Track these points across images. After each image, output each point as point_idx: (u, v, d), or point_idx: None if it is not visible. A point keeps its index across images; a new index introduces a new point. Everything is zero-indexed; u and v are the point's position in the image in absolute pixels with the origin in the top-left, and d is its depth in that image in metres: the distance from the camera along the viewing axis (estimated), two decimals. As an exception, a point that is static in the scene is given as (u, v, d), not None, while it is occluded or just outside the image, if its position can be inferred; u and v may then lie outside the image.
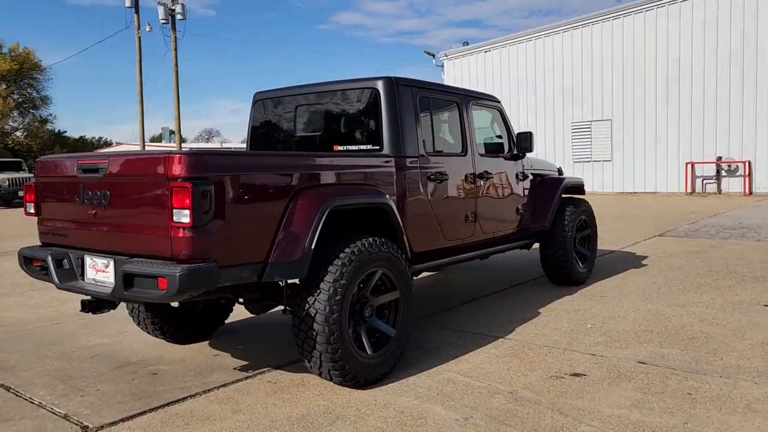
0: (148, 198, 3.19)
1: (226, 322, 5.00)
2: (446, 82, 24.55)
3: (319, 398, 3.55)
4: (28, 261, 3.88)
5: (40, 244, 3.96)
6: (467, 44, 24.37)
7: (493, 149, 5.48)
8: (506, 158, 5.54)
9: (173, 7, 35.18)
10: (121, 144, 53.46)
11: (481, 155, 5.17)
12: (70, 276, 3.60)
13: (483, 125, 5.61)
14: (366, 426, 3.16)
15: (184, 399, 3.59)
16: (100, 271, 3.46)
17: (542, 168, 6.41)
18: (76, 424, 3.27)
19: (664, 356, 4.11)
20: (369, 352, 3.71)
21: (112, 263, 3.36)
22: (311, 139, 4.74)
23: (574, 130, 21.64)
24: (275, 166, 3.48)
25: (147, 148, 34.11)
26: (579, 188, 6.75)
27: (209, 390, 3.72)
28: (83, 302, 3.73)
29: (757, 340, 4.39)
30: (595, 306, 5.49)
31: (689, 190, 19.23)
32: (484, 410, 3.32)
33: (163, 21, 35.29)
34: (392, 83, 4.35)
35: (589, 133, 21.31)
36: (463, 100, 5.05)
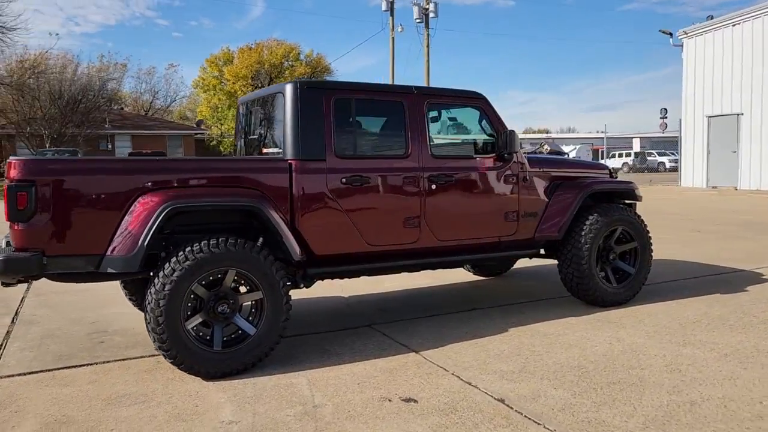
0: None
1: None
2: (686, 64, 21.64)
3: (155, 383, 3.88)
4: None
5: None
6: (711, 18, 21.01)
7: (463, 150, 5.04)
8: (485, 159, 5.05)
9: (427, 6, 37.05)
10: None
11: (438, 156, 4.83)
12: None
13: (462, 123, 5.20)
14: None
15: (80, 366, 4.25)
16: None
17: (572, 170, 5.63)
18: (-16, 372, 4.14)
19: (543, 397, 3.49)
20: (218, 347, 3.91)
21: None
22: (253, 142, 4.99)
23: None
24: (107, 170, 3.87)
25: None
26: (626, 194, 5.75)
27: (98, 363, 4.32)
28: None
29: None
30: (579, 332, 4.73)
31: None
32: (263, 413, 3.32)
33: (418, 20, 37.47)
34: (297, 87, 4.39)
35: None
36: (413, 99, 4.77)
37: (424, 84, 36.64)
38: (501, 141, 4.99)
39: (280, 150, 4.44)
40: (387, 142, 4.84)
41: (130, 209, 3.80)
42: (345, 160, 4.46)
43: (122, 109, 40.52)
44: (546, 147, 38.32)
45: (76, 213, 3.72)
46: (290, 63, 52.92)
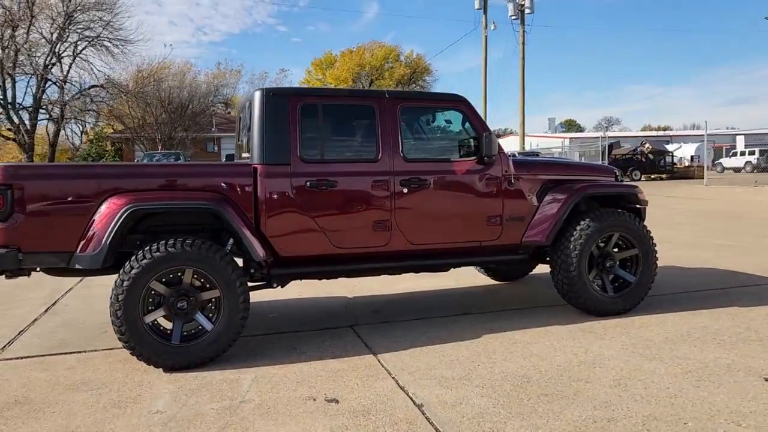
0: None
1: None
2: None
3: (121, 372, 4.21)
4: None
5: None
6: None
7: (441, 153, 5.00)
8: (464, 162, 4.99)
9: (522, 2, 36.29)
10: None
11: (411, 160, 4.84)
12: None
13: (443, 126, 5.15)
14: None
15: (70, 353, 4.68)
16: None
17: (566, 173, 5.40)
18: (-10, 354, 4.67)
19: (463, 405, 3.46)
20: (176, 341, 4.19)
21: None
22: (240, 147, 5.23)
23: None
24: (75, 175, 4.24)
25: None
26: (627, 199, 5.44)
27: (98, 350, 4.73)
28: None
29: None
30: (552, 341, 4.58)
31: None
32: (191, 406, 3.54)
33: (513, 17, 36.80)
34: (263, 95, 4.58)
35: None
36: (385, 103, 4.80)
37: (519, 83, 35.90)
38: (480, 144, 4.91)
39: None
40: (356, 146, 4.90)
41: (98, 211, 4.15)
42: (310, 164, 4.59)
43: (229, 112, 42.88)
44: (647, 146, 36.35)
45: (48, 214, 4.11)
46: (390, 64, 53.64)
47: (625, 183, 5.59)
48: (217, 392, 3.79)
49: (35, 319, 5.67)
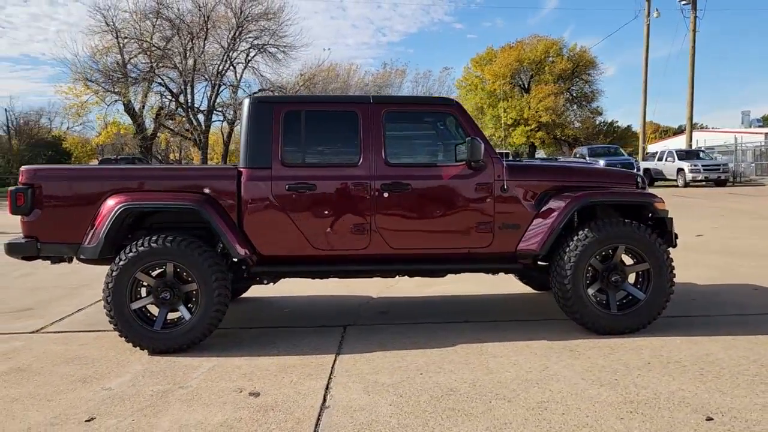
0: None
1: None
2: None
3: (114, 351, 4.75)
4: None
5: None
6: None
7: (427, 158, 4.93)
8: (452, 167, 4.88)
9: (694, -15, 33.31)
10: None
11: (394, 164, 4.85)
12: None
13: (435, 131, 5.06)
14: (70, 370, 4.31)
15: (90, 332, 5.36)
16: None
17: (570, 179, 5.04)
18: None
19: (365, 411, 3.49)
20: (158, 328, 4.65)
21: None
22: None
23: None
24: (83, 176, 4.83)
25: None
26: (644, 208, 4.92)
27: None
28: None
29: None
30: (517, 357, 4.36)
31: None
32: (139, 385, 3.96)
33: (683, 2, 33.92)
34: (250, 102, 4.89)
35: None
36: (368, 109, 4.86)
37: (688, 72, 32.96)
38: (466, 149, 4.78)
39: (245, 159, 4.98)
40: (338, 150, 5.01)
41: (99, 208, 4.73)
42: (290, 168, 4.81)
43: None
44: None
45: (61, 210, 4.77)
46: (551, 59, 51.73)
47: (642, 192, 5.06)
48: (169, 376, 4.17)
49: (97, 300, 6.51)
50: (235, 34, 34.90)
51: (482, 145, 4.73)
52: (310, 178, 4.81)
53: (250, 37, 36.41)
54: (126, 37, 35.90)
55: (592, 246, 4.74)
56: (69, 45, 58.25)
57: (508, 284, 6.68)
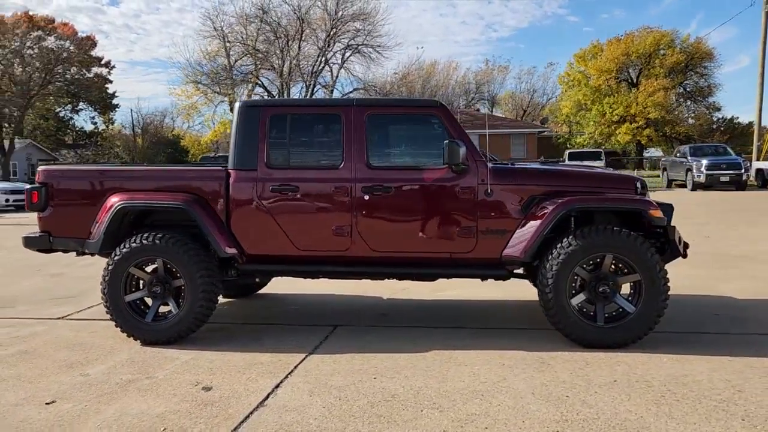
0: None
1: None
2: None
3: (114, 340, 5.09)
4: None
5: None
6: None
7: (411, 161, 4.88)
8: (434, 170, 4.80)
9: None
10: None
11: (376, 167, 4.84)
12: None
13: (421, 134, 4.99)
14: (64, 356, 4.68)
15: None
16: None
17: (561, 183, 4.79)
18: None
19: (295, 412, 3.56)
20: (148, 320, 4.94)
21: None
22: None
23: None
24: (87, 176, 5.18)
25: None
26: (638, 215, 4.59)
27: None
28: None
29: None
30: (483, 367, 4.23)
31: None
32: (113, 372, 4.25)
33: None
34: (240, 106, 5.07)
35: None
36: (352, 112, 4.88)
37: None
38: (444, 152, 4.69)
39: (232, 162, 5.17)
40: (322, 153, 5.05)
41: (102, 206, 5.08)
42: (275, 170, 4.93)
43: (478, 110, 43.61)
44: None
45: (69, 207, 5.18)
46: (663, 51, 48.82)
47: (635, 198, 4.70)
48: (144, 366, 4.42)
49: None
50: (329, 35, 35.80)
51: (461, 149, 4.62)
52: (294, 180, 4.92)
53: (344, 38, 37.21)
54: (231, 41, 37.70)
55: (576, 254, 4.51)
56: (182, 50, 62.07)
57: (525, 290, 6.45)
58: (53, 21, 48.77)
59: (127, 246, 4.89)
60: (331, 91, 39.20)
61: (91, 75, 49.23)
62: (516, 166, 4.99)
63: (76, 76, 49.84)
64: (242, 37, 37.36)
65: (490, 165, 4.81)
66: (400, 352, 4.61)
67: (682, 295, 5.92)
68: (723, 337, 4.82)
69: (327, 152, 5.03)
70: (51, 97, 47.81)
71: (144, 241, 4.88)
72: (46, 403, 3.77)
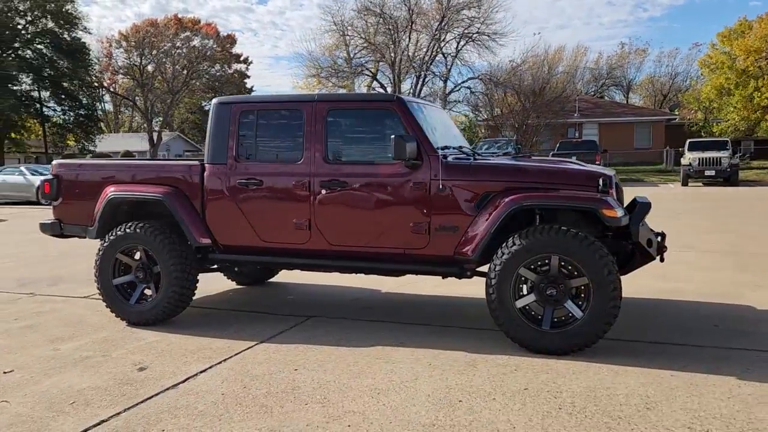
0: None
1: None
2: None
3: (107, 318, 5.57)
4: None
5: None
6: None
7: (368, 156, 4.85)
8: (388, 166, 4.74)
9: None
10: None
11: (333, 162, 4.88)
12: None
13: (380, 128, 4.93)
14: (55, 331, 5.22)
15: (123, 300, 6.30)
16: None
17: (514, 179, 4.52)
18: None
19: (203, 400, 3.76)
20: (132, 302, 5.37)
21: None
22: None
23: None
24: (91, 170, 5.67)
25: None
26: (589, 213, 4.23)
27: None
28: None
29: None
30: (423, 370, 4.16)
31: None
32: (82, 348, 4.69)
33: None
34: (215, 103, 5.32)
35: None
36: (313, 107, 4.94)
37: None
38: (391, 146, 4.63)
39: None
40: (284, 148, 5.13)
41: (100, 197, 5.57)
42: (241, 164, 5.14)
43: (602, 97, 41.24)
44: None
45: (73, 197, 5.73)
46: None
47: (589, 196, 4.30)
48: (109, 346, 4.82)
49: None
50: (441, 24, 35.64)
51: (408, 143, 4.54)
52: (258, 174, 5.09)
53: (457, 27, 36.83)
54: (350, 35, 38.64)
55: (520, 254, 4.29)
56: (304, 44, 64.63)
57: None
58: (199, 22, 52.94)
59: (114, 234, 5.33)
60: (445, 81, 39.05)
61: (231, 71, 52.73)
62: (471, 161, 4.80)
63: (218, 73, 53.67)
64: (363, 30, 38.24)
65: (443, 160, 4.68)
66: (344, 345, 4.65)
67: (687, 301, 5.39)
68: (707, 351, 4.35)
69: (290, 147, 5.14)
70: (196, 93, 52.05)
71: (127, 230, 5.30)
72: (4, 372, 4.25)
